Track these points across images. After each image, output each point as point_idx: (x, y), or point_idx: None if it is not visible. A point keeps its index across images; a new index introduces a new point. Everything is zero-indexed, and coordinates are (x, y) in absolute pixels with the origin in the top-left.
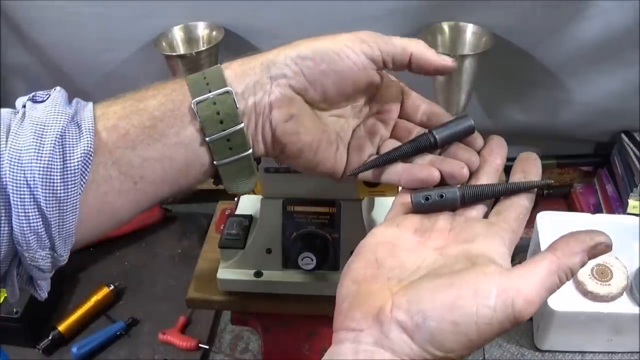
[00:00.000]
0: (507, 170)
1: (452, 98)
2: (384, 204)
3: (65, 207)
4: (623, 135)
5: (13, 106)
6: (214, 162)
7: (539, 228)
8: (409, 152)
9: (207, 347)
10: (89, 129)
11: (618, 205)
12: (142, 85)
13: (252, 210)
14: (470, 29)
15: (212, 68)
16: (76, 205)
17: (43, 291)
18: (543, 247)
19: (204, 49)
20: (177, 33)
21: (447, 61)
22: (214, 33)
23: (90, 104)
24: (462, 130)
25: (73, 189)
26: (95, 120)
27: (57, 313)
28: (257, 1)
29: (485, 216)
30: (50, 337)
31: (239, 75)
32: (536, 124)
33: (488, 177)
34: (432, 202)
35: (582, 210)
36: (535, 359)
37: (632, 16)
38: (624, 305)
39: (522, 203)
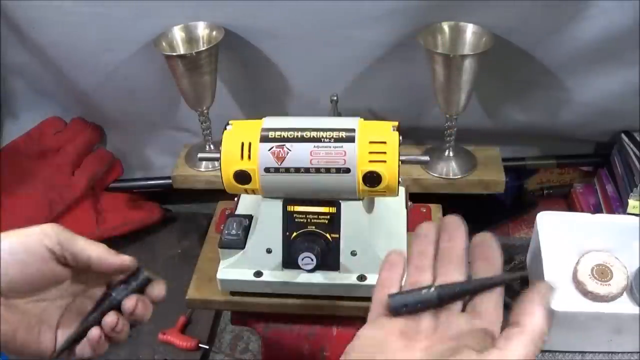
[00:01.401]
0: (507, 169)
1: (452, 98)
2: (384, 204)
3: None
4: (623, 135)
5: (13, 106)
6: None
7: (539, 228)
8: (96, 319)
9: (207, 347)
10: None
11: (618, 205)
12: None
13: (252, 210)
14: (470, 29)
15: None
16: None
17: None
18: (543, 247)
19: (204, 49)
20: (177, 33)
21: (126, 260)
22: (214, 33)
23: None
24: (138, 285)
25: None
26: None
27: None
28: (257, 1)
29: (463, 308)
30: None
31: None
32: (536, 124)
33: (455, 266)
34: (409, 308)
35: (582, 210)
36: (535, 359)
37: (632, 16)
38: (624, 305)
39: (496, 293)
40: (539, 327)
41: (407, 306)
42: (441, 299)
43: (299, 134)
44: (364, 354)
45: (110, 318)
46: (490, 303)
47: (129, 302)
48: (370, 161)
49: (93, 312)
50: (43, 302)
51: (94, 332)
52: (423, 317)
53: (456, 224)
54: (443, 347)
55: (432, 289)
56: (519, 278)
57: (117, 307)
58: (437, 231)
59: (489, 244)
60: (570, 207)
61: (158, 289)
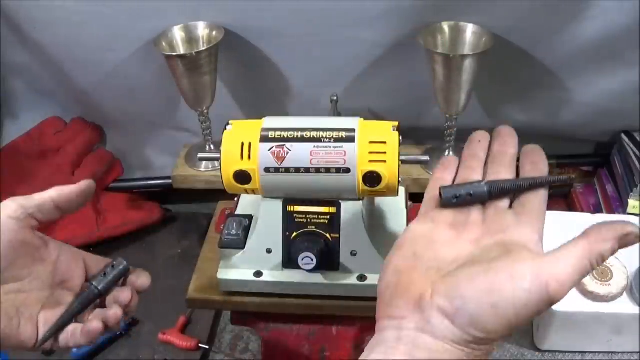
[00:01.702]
0: None
1: (452, 98)
2: (384, 204)
3: None
4: (623, 135)
5: (13, 106)
6: None
7: None
8: (78, 309)
9: (207, 347)
10: None
11: (618, 205)
12: (141, 85)
13: (252, 210)
14: (470, 29)
15: None
16: None
17: None
18: (543, 247)
19: (204, 49)
20: (177, 33)
21: (82, 184)
22: (214, 33)
23: None
24: (118, 274)
25: None
26: None
27: None
28: (257, 1)
29: (510, 205)
30: None
31: None
32: (536, 124)
33: (505, 168)
34: (460, 200)
35: (582, 210)
36: (535, 359)
37: (632, 16)
38: (624, 305)
39: (542, 192)
40: (599, 249)
41: (458, 197)
42: (491, 193)
43: (299, 134)
44: (415, 246)
45: (124, 294)
46: (536, 201)
47: (124, 295)
48: (370, 161)
49: (75, 302)
50: (22, 294)
51: (70, 327)
52: (472, 210)
53: (509, 132)
54: (491, 241)
55: (483, 183)
56: (567, 180)
57: (99, 297)
58: (489, 139)
59: (538, 152)
60: (570, 207)
61: (142, 279)
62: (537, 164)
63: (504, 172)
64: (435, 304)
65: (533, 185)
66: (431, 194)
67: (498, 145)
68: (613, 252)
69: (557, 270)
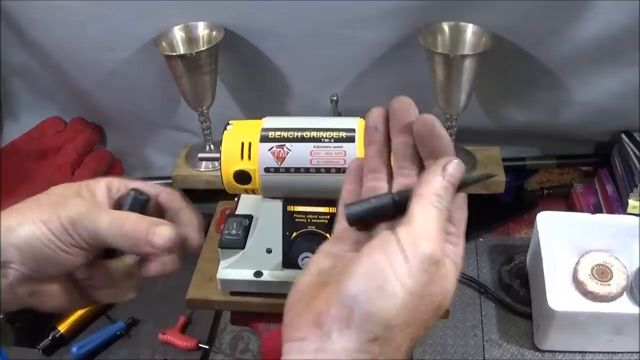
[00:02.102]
0: (507, 169)
1: (452, 98)
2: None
3: None
4: (623, 135)
5: (13, 106)
6: None
7: (539, 228)
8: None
9: (207, 347)
10: None
11: (618, 205)
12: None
13: (252, 210)
14: (470, 29)
15: None
16: None
17: None
18: (543, 247)
19: (204, 49)
20: (177, 33)
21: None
22: (214, 33)
23: None
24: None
25: None
26: None
27: (57, 313)
28: (257, 1)
29: None
30: (50, 337)
31: None
32: (536, 124)
33: (411, 162)
34: (367, 219)
35: (582, 210)
36: (535, 359)
37: (632, 16)
38: (624, 305)
39: (460, 195)
40: (435, 189)
41: (363, 220)
42: (397, 206)
43: (299, 134)
44: (319, 265)
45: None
46: (456, 206)
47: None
48: None
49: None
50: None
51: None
52: (379, 227)
53: (404, 106)
54: None
55: (389, 195)
56: (479, 179)
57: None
58: (386, 118)
59: (435, 135)
60: (570, 207)
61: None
62: (438, 152)
63: (408, 168)
64: (330, 315)
65: None
66: (341, 209)
67: (397, 132)
68: (449, 187)
69: (417, 229)
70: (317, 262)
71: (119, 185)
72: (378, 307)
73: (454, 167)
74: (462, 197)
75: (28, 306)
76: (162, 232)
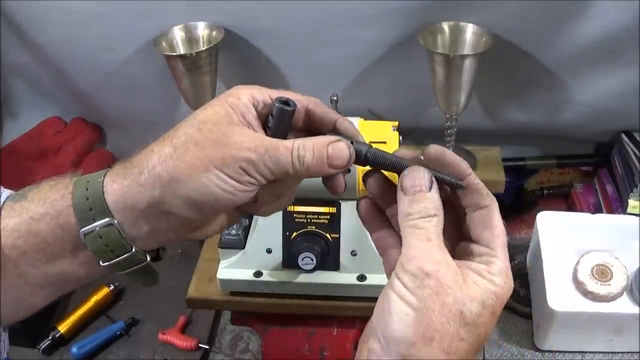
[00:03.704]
0: (507, 169)
1: (452, 98)
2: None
3: None
4: (623, 135)
5: (13, 106)
6: (115, 273)
7: (539, 228)
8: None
9: (207, 347)
10: None
11: (618, 205)
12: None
13: None
14: (470, 29)
15: (94, 183)
16: None
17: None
18: (543, 247)
19: (204, 49)
20: (177, 33)
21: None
22: (214, 33)
23: None
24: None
25: None
26: None
27: (57, 313)
28: (257, 1)
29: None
30: (50, 337)
31: (124, 208)
32: (536, 124)
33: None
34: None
35: (582, 210)
36: (535, 359)
37: (632, 16)
38: (624, 305)
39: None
40: (402, 211)
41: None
42: (366, 157)
43: None
44: None
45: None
46: (483, 225)
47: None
48: None
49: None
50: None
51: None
52: None
53: (441, 155)
54: None
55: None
56: (450, 182)
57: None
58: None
59: (449, 159)
60: (570, 207)
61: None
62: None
63: None
64: (370, 349)
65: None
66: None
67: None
68: (416, 196)
69: (405, 254)
70: None
71: (262, 97)
72: (392, 329)
73: (407, 176)
74: (487, 216)
75: (186, 239)
76: (341, 154)
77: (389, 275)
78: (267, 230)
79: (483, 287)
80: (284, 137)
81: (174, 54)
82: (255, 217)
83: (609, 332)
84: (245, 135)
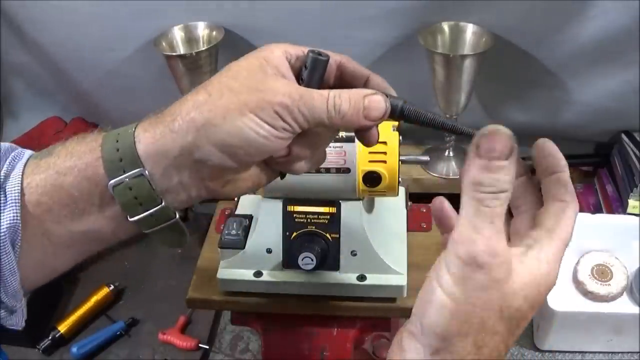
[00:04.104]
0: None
1: (452, 98)
2: (384, 204)
3: (3, 273)
4: (623, 135)
5: (13, 106)
6: (142, 231)
7: None
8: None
9: (207, 347)
10: (15, 200)
11: (618, 205)
12: (141, 85)
13: (252, 210)
14: (470, 29)
15: (125, 134)
16: (14, 269)
17: (17, 325)
18: None
19: (204, 49)
20: (177, 33)
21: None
22: (214, 33)
23: (20, 166)
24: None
25: (5, 258)
26: (22, 193)
27: (57, 313)
28: (257, 1)
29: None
30: (50, 337)
31: (156, 155)
32: (536, 124)
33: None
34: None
35: (582, 210)
36: (535, 359)
37: (632, 16)
38: (624, 305)
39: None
40: (471, 177)
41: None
42: (402, 111)
43: None
44: None
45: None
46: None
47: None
48: (370, 161)
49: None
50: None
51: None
52: None
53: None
54: None
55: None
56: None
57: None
58: None
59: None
60: None
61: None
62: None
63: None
64: (408, 330)
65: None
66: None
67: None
68: (492, 163)
69: (457, 233)
70: None
71: (294, 51)
72: (429, 319)
73: (487, 136)
74: (564, 211)
75: (216, 197)
76: (378, 106)
77: None
78: (267, 230)
79: (529, 281)
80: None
81: (174, 54)
82: (255, 217)
83: (609, 332)
84: (280, 82)
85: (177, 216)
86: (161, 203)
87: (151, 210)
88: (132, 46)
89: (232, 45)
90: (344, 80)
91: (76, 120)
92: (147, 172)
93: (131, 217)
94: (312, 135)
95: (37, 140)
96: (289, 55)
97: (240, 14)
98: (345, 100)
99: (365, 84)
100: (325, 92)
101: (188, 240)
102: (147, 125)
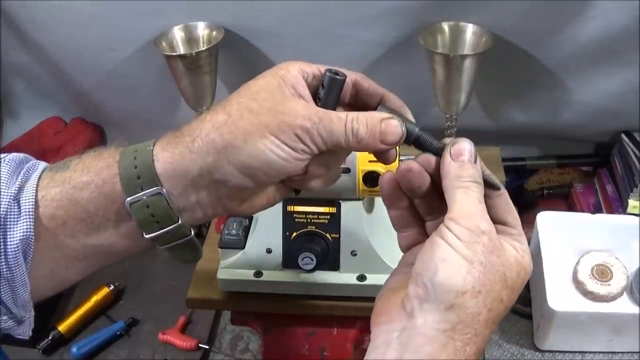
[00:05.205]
0: (507, 169)
1: (452, 98)
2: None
3: (14, 284)
4: (623, 135)
5: (13, 106)
6: (157, 247)
7: (539, 228)
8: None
9: (207, 347)
10: (29, 212)
11: (618, 205)
12: (141, 85)
13: None
14: (470, 29)
15: (143, 152)
16: (25, 281)
17: (24, 335)
18: (543, 247)
19: (204, 49)
20: (177, 33)
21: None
22: (214, 33)
23: (34, 178)
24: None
25: (17, 269)
26: (36, 205)
27: (57, 313)
28: (257, 1)
29: None
30: (50, 337)
31: (174, 175)
32: (536, 124)
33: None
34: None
35: (582, 210)
36: (535, 359)
37: (632, 16)
38: (624, 305)
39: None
40: (453, 175)
41: (418, 137)
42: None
43: None
44: (407, 262)
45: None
46: (504, 210)
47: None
48: (370, 161)
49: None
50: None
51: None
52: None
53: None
54: None
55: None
56: (491, 183)
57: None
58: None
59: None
60: (570, 207)
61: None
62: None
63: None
64: (410, 295)
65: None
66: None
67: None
68: (466, 162)
69: (458, 212)
70: (404, 259)
71: (310, 69)
72: (445, 276)
73: (457, 144)
74: (504, 201)
75: (232, 214)
76: (394, 130)
77: (404, 250)
78: (267, 230)
79: (517, 260)
80: (334, 109)
81: (174, 54)
82: (255, 217)
83: (609, 332)
84: (299, 104)
85: (192, 233)
86: (177, 221)
87: (167, 228)
88: (132, 46)
89: (232, 45)
90: (359, 98)
91: (76, 120)
92: (164, 190)
93: (147, 234)
94: (329, 155)
95: (37, 140)
96: (305, 74)
97: (240, 14)
98: (362, 124)
99: (380, 101)
100: (343, 114)
101: (201, 256)
102: (166, 144)
